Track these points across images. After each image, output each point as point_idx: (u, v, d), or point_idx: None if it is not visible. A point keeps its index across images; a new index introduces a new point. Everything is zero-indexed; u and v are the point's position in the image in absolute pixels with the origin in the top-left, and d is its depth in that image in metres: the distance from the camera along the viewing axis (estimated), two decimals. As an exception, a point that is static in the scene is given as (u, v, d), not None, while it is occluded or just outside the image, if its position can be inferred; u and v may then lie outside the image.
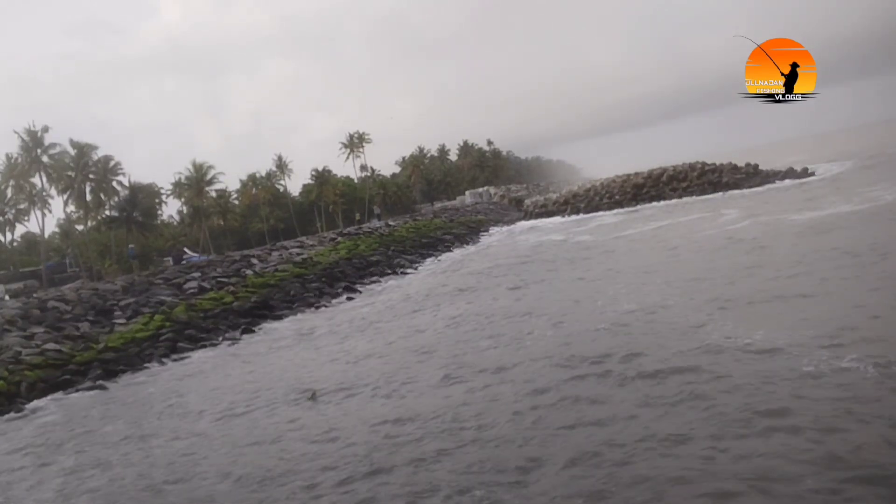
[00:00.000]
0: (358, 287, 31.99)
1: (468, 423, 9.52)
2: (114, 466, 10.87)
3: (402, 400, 11.54)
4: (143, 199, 64.19)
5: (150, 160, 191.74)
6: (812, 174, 50.27)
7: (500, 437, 8.74)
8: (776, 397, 8.18)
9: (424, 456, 8.57)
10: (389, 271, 36.44)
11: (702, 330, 11.81)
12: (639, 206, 52.93)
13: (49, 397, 18.33)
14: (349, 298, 29.30)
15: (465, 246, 46.96)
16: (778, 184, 48.54)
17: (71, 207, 63.59)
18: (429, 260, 40.36)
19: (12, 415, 17.05)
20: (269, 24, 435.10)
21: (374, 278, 34.36)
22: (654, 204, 51.95)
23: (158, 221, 71.18)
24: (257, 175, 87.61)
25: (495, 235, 53.28)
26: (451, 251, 44.30)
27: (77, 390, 18.73)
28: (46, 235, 64.64)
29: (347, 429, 10.39)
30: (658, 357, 10.70)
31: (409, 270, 36.38)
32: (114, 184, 61.61)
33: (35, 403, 17.87)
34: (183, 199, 76.09)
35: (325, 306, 28.17)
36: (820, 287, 13.55)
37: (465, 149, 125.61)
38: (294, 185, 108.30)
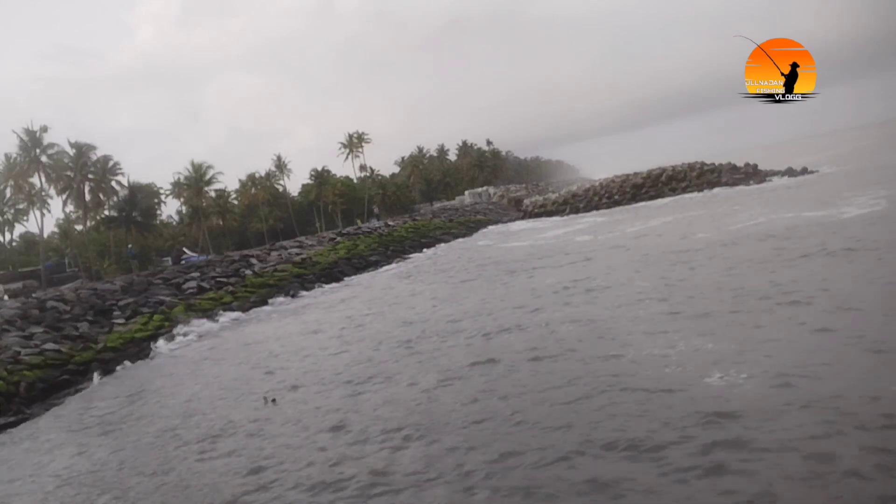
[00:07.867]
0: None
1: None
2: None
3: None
4: (142, 199, 64.24)
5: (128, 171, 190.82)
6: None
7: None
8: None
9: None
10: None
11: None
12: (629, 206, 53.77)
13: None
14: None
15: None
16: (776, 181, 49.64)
17: (70, 207, 63.55)
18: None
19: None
20: (238, 43, 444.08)
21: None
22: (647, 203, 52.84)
23: (157, 221, 71.17)
24: (256, 175, 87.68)
25: (489, 237, 53.10)
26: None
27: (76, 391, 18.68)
28: (45, 235, 64.66)
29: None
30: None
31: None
32: (113, 184, 61.55)
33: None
34: (182, 199, 76.14)
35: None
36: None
37: (465, 149, 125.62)
38: (292, 185, 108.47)
